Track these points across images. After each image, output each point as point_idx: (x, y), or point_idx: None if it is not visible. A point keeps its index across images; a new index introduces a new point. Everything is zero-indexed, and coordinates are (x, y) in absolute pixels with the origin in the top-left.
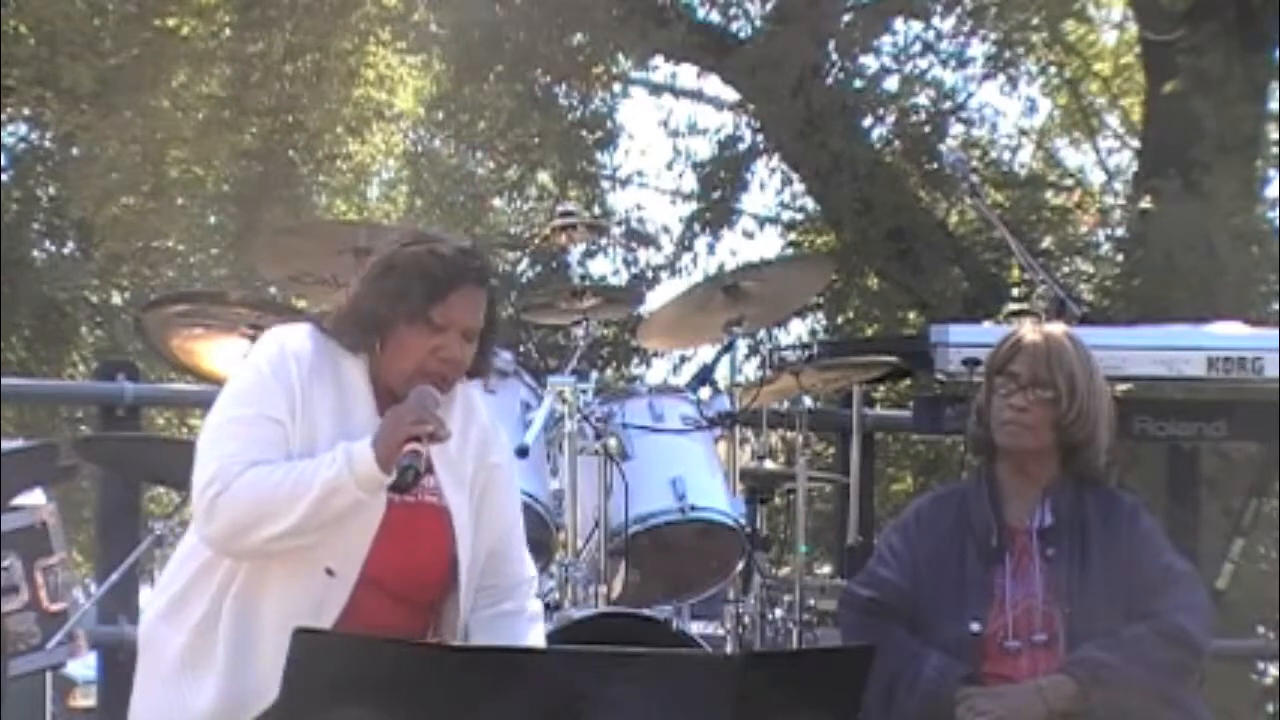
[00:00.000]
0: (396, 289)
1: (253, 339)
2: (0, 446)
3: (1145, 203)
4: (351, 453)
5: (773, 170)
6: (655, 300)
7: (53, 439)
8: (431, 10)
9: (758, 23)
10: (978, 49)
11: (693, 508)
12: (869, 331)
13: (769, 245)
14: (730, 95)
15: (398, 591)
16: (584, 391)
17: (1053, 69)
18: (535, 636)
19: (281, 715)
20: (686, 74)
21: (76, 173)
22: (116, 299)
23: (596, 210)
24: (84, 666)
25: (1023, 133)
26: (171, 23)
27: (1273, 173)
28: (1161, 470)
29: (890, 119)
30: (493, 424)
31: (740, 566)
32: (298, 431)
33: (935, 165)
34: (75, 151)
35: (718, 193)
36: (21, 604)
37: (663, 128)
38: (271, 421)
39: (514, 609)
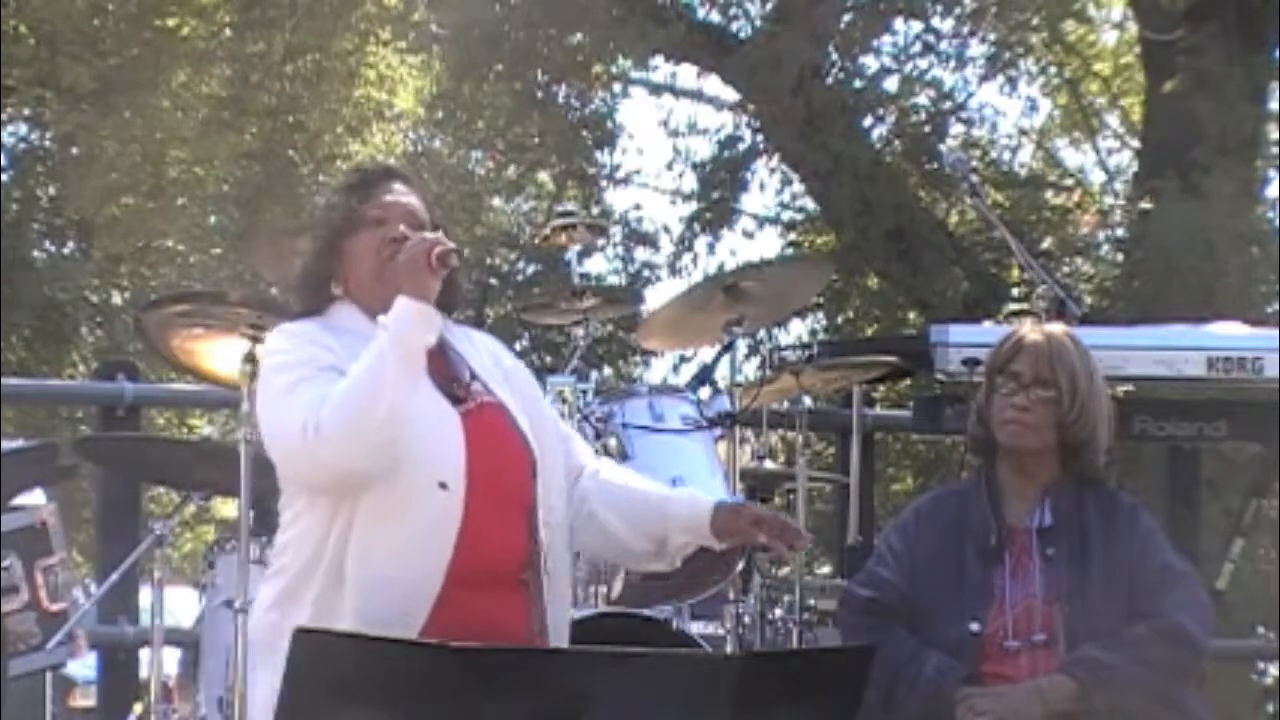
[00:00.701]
0: (328, 211)
1: (253, 339)
2: (0, 446)
3: (1145, 203)
4: (389, 314)
5: (773, 170)
6: (655, 300)
7: (53, 439)
8: (431, 10)
9: (758, 23)
10: (977, 49)
11: None
12: (869, 331)
13: (769, 245)
14: (730, 95)
15: (501, 494)
16: (584, 391)
17: (1053, 69)
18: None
19: (282, 715)
20: (686, 74)
21: (76, 173)
22: (116, 299)
23: (595, 210)
24: (84, 666)
25: (1023, 133)
26: (171, 23)
27: (1273, 173)
28: (1161, 470)
29: (890, 119)
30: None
31: (740, 566)
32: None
33: (935, 165)
34: (75, 151)
35: (718, 193)
36: (21, 604)
37: (663, 128)
38: (325, 368)
39: (596, 465)
